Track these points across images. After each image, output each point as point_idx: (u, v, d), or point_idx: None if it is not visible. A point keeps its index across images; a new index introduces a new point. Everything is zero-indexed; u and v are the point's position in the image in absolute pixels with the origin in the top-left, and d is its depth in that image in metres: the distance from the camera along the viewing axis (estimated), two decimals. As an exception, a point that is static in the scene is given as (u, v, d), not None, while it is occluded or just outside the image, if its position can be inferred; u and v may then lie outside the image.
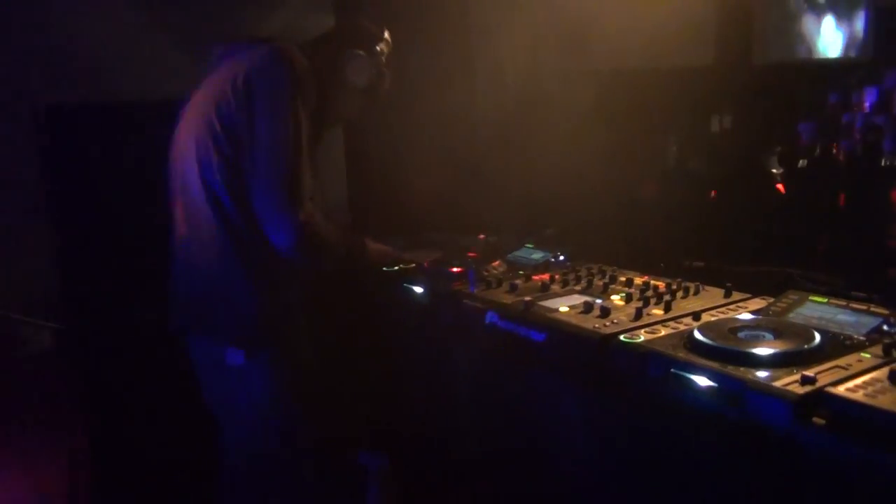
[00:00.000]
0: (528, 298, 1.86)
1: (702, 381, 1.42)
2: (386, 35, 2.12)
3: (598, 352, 1.60)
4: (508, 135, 4.78)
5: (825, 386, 1.29)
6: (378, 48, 2.07)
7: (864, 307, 1.66)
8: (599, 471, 1.65)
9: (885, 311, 1.62)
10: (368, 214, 3.46)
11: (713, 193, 4.62)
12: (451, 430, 2.08)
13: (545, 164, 4.63)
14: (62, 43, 2.95)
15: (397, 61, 2.22)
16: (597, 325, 1.67)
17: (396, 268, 2.20)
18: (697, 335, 1.52)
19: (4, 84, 2.89)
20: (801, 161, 7.39)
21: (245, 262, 1.82)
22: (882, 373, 1.33)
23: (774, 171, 7.85)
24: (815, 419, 1.26)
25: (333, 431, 2.13)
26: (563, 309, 1.80)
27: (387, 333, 2.31)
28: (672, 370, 1.47)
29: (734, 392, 1.37)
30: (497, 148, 4.66)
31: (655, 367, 1.50)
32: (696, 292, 1.90)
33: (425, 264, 2.19)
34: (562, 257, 2.28)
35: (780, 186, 6.60)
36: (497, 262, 2.25)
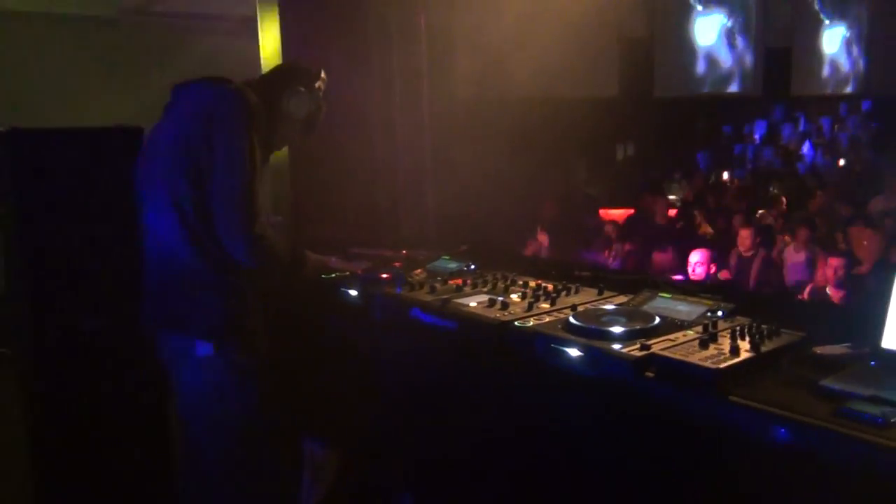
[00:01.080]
0: (444, 297, 2.38)
1: (573, 352, 1.96)
2: (322, 74, 2.56)
3: (498, 335, 2.13)
4: (427, 161, 5.34)
5: (655, 350, 1.86)
6: (315, 85, 2.50)
7: (698, 300, 2.25)
8: (498, 426, 2.17)
9: (711, 303, 2.21)
10: (309, 223, 3.90)
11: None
12: (381, 408, 2.57)
13: (460, 186, 5.21)
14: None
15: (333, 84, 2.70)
16: (497, 315, 2.20)
17: (334, 275, 2.68)
18: (571, 320, 2.07)
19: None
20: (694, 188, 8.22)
21: (210, 269, 2.25)
22: (695, 342, 1.90)
23: (672, 196, 8.68)
24: (647, 374, 1.83)
25: (284, 417, 2.56)
26: (473, 304, 2.32)
27: (326, 331, 2.78)
28: (552, 345, 2.01)
29: (595, 359, 1.91)
30: (417, 172, 5.20)
31: (540, 344, 2.04)
32: (577, 291, 2.45)
33: (359, 272, 2.67)
34: (472, 266, 2.81)
35: (671, 212, 7.35)
36: (419, 270, 2.76)
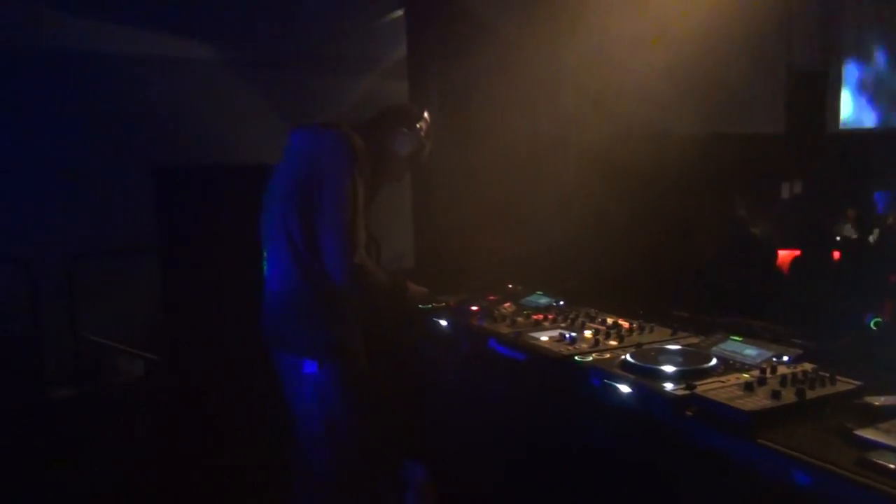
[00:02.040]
0: (521, 330, 2.54)
1: (624, 388, 2.06)
2: (425, 114, 2.73)
3: (559, 368, 2.26)
4: (565, 194, 5.49)
5: (698, 391, 1.92)
6: (418, 125, 2.68)
7: (769, 344, 2.26)
8: (556, 455, 2.29)
9: (779, 348, 2.22)
10: (430, 263, 4.17)
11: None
12: (458, 435, 2.76)
13: (609, 224, 5.33)
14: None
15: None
16: (562, 349, 2.33)
17: (430, 305, 2.91)
18: (628, 357, 2.16)
19: (127, 146, 3.77)
20: (874, 229, 7.86)
21: (316, 297, 2.50)
22: (743, 385, 1.94)
23: (850, 236, 8.23)
24: (688, 412, 1.89)
25: (385, 436, 2.79)
26: (544, 338, 2.47)
27: (420, 359, 3.01)
28: (605, 381, 2.11)
29: (642, 395, 2.00)
30: (559, 210, 5.37)
31: (596, 377, 2.15)
32: (651, 330, 2.53)
33: (451, 304, 2.89)
34: (562, 302, 2.94)
35: (835, 254, 7.01)
36: (508, 304, 2.93)
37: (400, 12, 4.28)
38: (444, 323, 2.83)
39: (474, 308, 2.85)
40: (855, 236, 7.88)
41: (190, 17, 5.22)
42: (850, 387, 1.92)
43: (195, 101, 5.50)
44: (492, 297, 3.03)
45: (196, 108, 5.47)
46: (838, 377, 1.96)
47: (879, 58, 8.84)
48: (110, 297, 4.75)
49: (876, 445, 1.61)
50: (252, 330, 2.84)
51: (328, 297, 2.53)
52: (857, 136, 8.87)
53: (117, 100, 5.18)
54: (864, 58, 8.90)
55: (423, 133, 2.72)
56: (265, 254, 2.70)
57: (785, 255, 6.80)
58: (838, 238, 7.95)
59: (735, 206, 9.19)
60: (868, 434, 1.66)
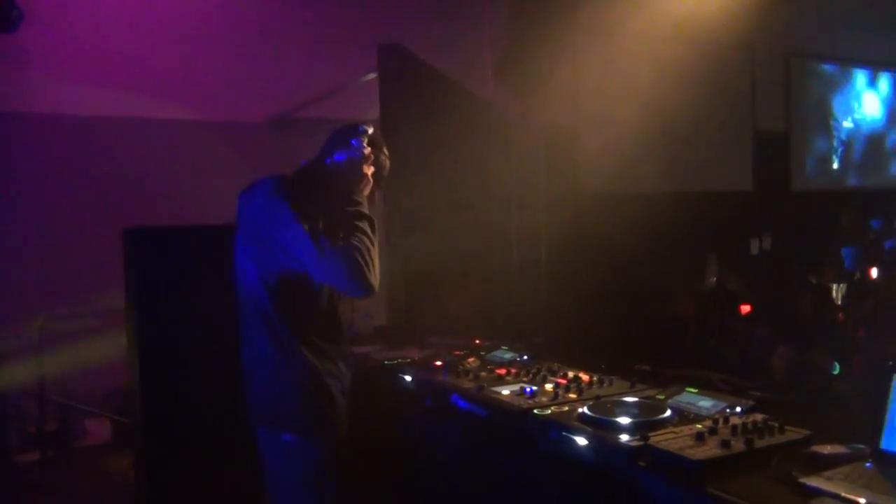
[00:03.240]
0: (482, 385, 2.58)
1: (580, 440, 2.09)
2: (362, 127, 2.56)
3: (518, 421, 2.30)
4: (542, 257, 5.60)
5: (651, 441, 1.96)
6: (354, 141, 2.51)
7: (722, 396, 2.31)
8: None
9: (735, 399, 2.27)
10: (400, 319, 4.19)
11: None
12: (421, 489, 2.76)
13: (581, 281, 5.40)
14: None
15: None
16: (521, 403, 2.36)
17: (395, 361, 2.94)
18: (585, 410, 2.21)
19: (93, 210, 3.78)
20: (840, 285, 7.98)
21: (288, 360, 2.38)
22: (694, 435, 1.98)
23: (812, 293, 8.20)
24: (640, 463, 1.93)
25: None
26: (505, 392, 2.50)
27: (385, 414, 3.03)
28: (563, 433, 2.15)
29: (597, 447, 2.04)
30: (531, 267, 5.46)
31: (554, 430, 2.18)
32: (610, 383, 2.57)
33: (416, 359, 2.92)
34: (525, 357, 2.98)
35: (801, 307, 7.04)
36: (472, 359, 2.97)
37: (373, 75, 4.40)
38: (408, 378, 2.85)
39: (438, 363, 2.88)
40: (816, 288, 8.04)
41: (166, 78, 5.33)
42: (799, 436, 1.97)
43: (169, 161, 5.58)
44: (457, 353, 3.07)
45: (169, 168, 5.55)
46: (787, 427, 2.01)
47: (840, 120, 9.18)
48: (78, 358, 4.73)
49: (819, 493, 1.65)
50: (226, 394, 2.83)
51: (301, 359, 2.39)
52: (822, 194, 9.14)
53: (92, 160, 5.25)
54: (825, 120, 9.24)
55: (363, 145, 2.54)
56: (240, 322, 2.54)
57: (749, 310, 6.92)
58: (802, 292, 8.10)
59: (708, 262, 9.35)
60: (813, 482, 1.71)
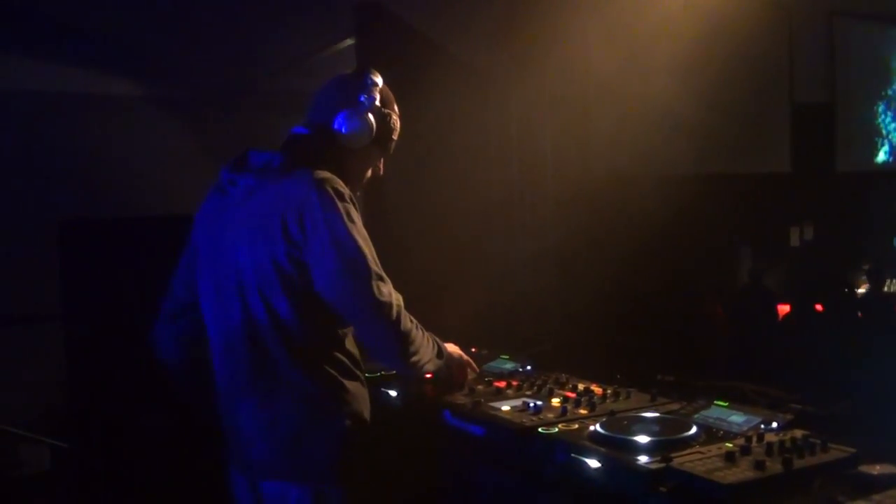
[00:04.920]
0: (478, 400, 2.58)
1: (592, 463, 2.10)
2: (371, 78, 2.46)
3: (520, 442, 2.30)
4: (540, 246, 5.60)
5: (674, 463, 1.96)
6: (363, 97, 2.42)
7: (758, 410, 2.32)
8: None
9: (769, 414, 2.28)
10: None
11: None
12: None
13: (596, 278, 5.40)
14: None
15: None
16: (524, 420, 2.37)
17: (378, 374, 2.94)
18: (597, 427, 2.21)
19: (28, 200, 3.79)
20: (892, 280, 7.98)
21: (309, 389, 2.26)
22: (724, 455, 1.98)
23: (861, 290, 8.39)
24: (662, 488, 1.93)
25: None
26: (505, 408, 2.51)
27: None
28: (572, 455, 2.15)
29: (612, 470, 2.05)
30: (532, 264, 5.46)
31: (561, 451, 2.19)
32: (627, 396, 2.58)
33: (402, 371, 2.92)
34: (528, 367, 2.99)
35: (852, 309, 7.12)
36: (467, 370, 2.97)
37: (350, 41, 4.39)
38: (392, 393, 2.86)
39: (428, 375, 2.88)
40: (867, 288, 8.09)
41: (106, 49, 5.30)
42: (844, 455, 1.98)
43: (113, 143, 5.57)
44: (449, 363, 3.06)
45: (114, 151, 5.54)
46: (831, 444, 2.02)
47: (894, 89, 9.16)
48: (7, 374, 4.70)
49: (867, 520, 1.66)
50: (176, 410, 2.84)
51: (327, 390, 2.29)
52: (871, 175, 9.17)
53: (19, 142, 5.22)
54: (876, 89, 9.22)
55: (375, 103, 2.45)
56: (210, 332, 2.43)
57: (790, 311, 6.93)
58: (852, 291, 8.14)
59: (741, 256, 9.37)
60: (859, 508, 1.71)
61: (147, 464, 3.49)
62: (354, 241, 2.22)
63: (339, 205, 2.23)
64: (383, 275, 2.27)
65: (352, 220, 2.24)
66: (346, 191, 2.29)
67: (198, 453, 2.84)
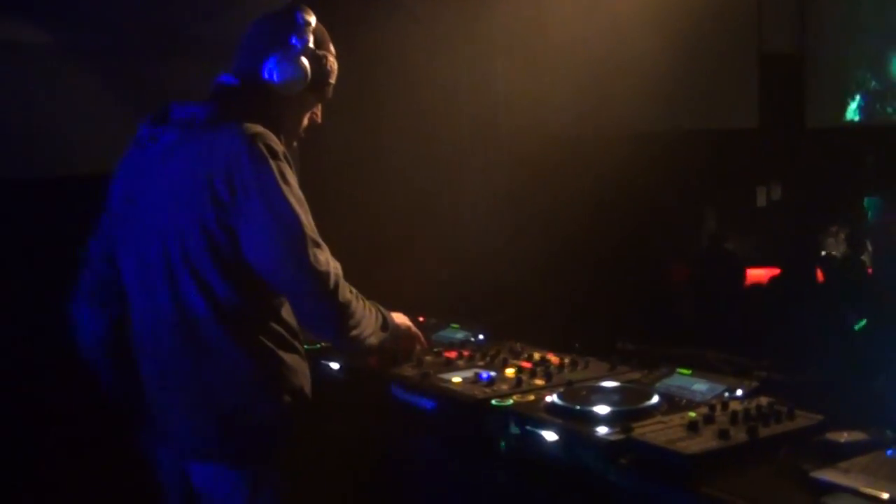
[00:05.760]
0: (428, 371, 2.61)
1: (549, 435, 2.14)
2: (302, 16, 2.38)
3: (473, 415, 2.34)
4: (501, 208, 5.62)
5: (635, 434, 2.01)
6: (295, 39, 2.35)
7: (722, 378, 2.39)
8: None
9: (737, 381, 2.35)
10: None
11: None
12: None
13: (544, 241, 5.44)
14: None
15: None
16: (476, 392, 2.41)
17: (317, 345, 2.95)
18: (553, 398, 2.26)
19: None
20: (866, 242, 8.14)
21: (245, 360, 2.24)
22: (686, 424, 2.04)
23: (833, 253, 8.56)
24: (622, 460, 1.99)
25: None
26: (456, 380, 2.54)
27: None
28: (528, 427, 2.20)
29: (569, 443, 2.10)
30: (485, 227, 5.49)
31: (516, 424, 2.23)
32: (585, 366, 2.63)
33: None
34: (481, 336, 3.03)
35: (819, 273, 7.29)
36: (414, 341, 3.00)
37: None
38: (334, 366, 2.87)
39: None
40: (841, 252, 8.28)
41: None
42: (811, 422, 2.05)
43: (21, 97, 5.43)
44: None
45: (23, 105, 5.40)
46: (798, 411, 2.09)
47: (868, 37, 9.28)
48: None
49: (833, 488, 1.72)
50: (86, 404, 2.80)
51: (264, 364, 2.26)
52: (843, 131, 9.34)
53: None
54: (849, 38, 9.34)
55: (308, 45, 2.39)
56: (132, 306, 2.40)
57: (758, 275, 7.09)
58: (823, 253, 8.33)
59: (705, 217, 9.51)
60: (826, 475, 1.78)
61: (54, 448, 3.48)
62: (288, 205, 2.18)
63: (272, 164, 2.19)
64: (320, 241, 2.25)
65: (286, 182, 2.21)
66: (279, 148, 2.25)
67: (114, 438, 2.82)
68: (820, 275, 7.47)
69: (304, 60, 2.36)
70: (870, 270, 6.81)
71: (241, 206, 2.17)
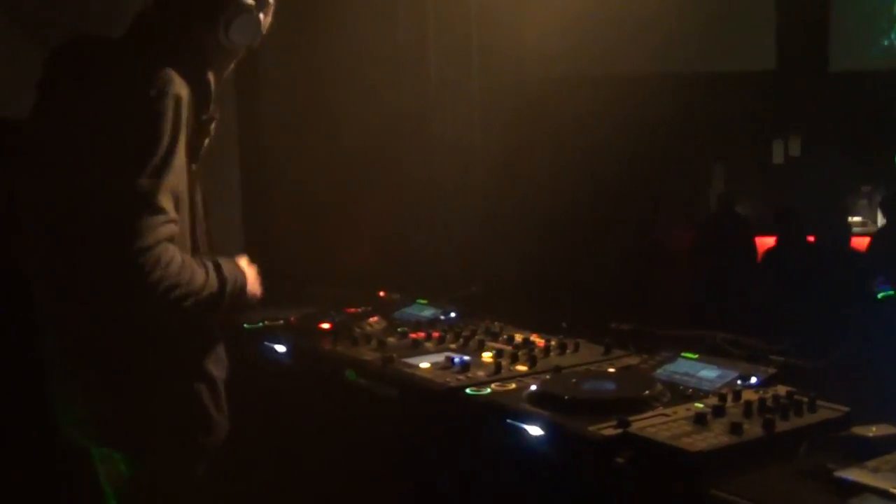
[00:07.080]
0: (390, 355, 2.62)
1: (532, 429, 2.17)
2: None
3: (445, 406, 2.35)
4: (462, 163, 5.62)
5: (633, 428, 2.04)
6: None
7: (734, 363, 2.42)
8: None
9: (747, 367, 2.38)
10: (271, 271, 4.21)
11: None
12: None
13: (527, 202, 5.44)
14: None
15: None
16: (448, 380, 2.42)
17: (261, 323, 2.96)
18: (538, 387, 2.28)
19: None
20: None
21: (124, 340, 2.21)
22: (693, 417, 2.07)
23: (857, 219, 8.61)
24: (618, 459, 2.01)
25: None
26: (424, 365, 2.56)
27: (249, 399, 3.05)
28: (508, 420, 2.22)
29: (559, 438, 2.12)
30: (454, 188, 5.48)
31: (494, 417, 2.25)
32: (575, 349, 2.65)
33: (292, 320, 2.95)
34: (452, 314, 3.04)
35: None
36: (375, 319, 3.01)
37: None
38: (281, 348, 2.88)
39: (325, 326, 2.91)
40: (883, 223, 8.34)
41: None
42: (835, 414, 2.08)
43: None
44: (350, 310, 3.10)
45: None
46: (820, 403, 2.12)
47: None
48: None
49: (861, 489, 1.76)
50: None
51: (164, 346, 2.25)
52: (874, 74, 9.37)
53: None
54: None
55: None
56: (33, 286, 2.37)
57: (771, 245, 7.14)
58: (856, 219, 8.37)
59: (713, 175, 9.55)
60: (852, 475, 1.81)
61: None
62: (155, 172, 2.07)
63: (169, 124, 2.10)
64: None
65: (174, 145, 2.11)
66: (185, 112, 2.15)
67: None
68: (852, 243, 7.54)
69: (262, 17, 2.32)
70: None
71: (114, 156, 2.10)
